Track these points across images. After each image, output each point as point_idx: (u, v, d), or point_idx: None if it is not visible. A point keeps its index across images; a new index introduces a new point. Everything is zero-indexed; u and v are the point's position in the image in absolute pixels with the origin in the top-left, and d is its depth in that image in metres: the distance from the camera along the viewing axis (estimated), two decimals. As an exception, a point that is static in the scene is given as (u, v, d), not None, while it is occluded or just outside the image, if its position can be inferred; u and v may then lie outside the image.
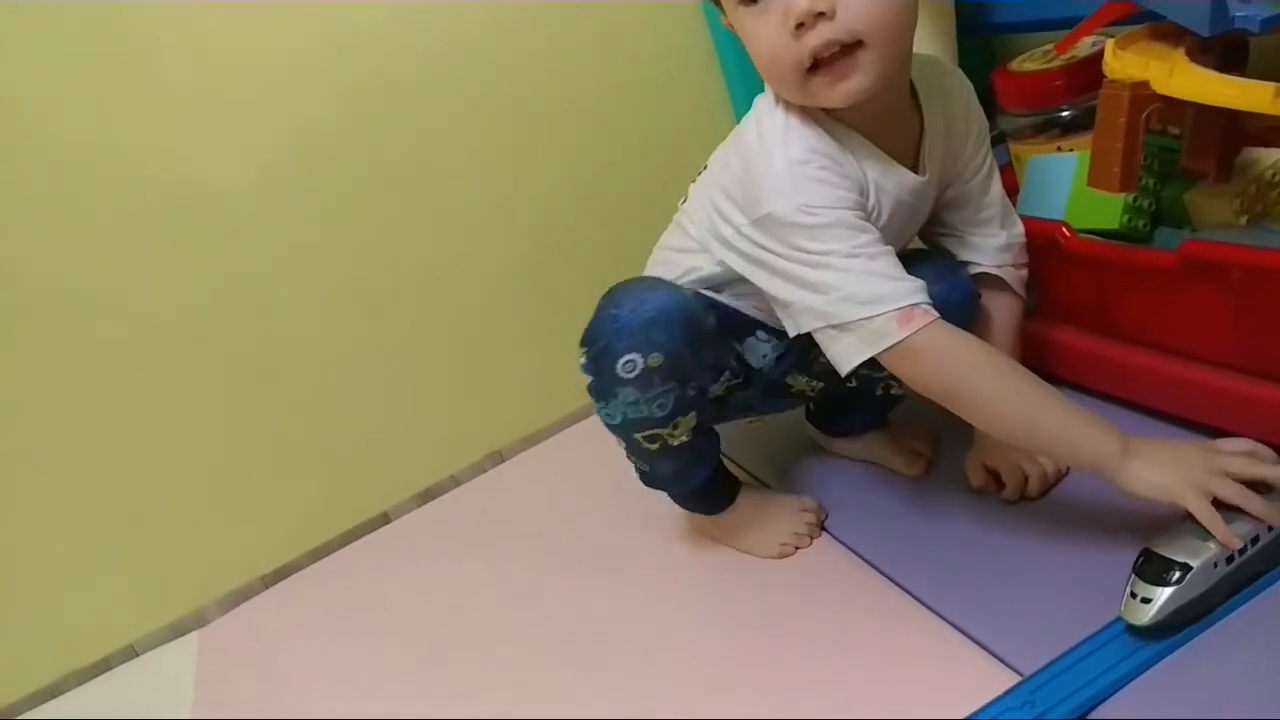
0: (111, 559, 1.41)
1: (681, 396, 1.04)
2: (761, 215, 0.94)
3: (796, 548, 1.15)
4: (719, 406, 1.19)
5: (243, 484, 1.47)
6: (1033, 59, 1.26)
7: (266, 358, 1.45)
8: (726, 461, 1.20)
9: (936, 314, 0.91)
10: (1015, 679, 0.87)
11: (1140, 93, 0.87)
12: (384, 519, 1.55)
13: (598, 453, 1.21)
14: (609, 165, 1.59)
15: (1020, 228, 1.13)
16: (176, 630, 1.45)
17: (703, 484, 1.16)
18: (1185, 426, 1.05)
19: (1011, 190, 1.22)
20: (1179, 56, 0.87)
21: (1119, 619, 0.85)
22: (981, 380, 0.91)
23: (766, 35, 0.89)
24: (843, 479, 1.24)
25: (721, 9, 0.96)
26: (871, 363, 0.93)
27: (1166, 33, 0.92)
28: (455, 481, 1.59)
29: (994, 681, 0.87)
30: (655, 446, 1.08)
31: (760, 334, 1.12)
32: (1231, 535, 0.81)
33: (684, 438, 1.07)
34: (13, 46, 1.24)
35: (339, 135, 1.42)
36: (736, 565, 1.16)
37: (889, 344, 0.90)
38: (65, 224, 1.31)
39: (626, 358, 1.00)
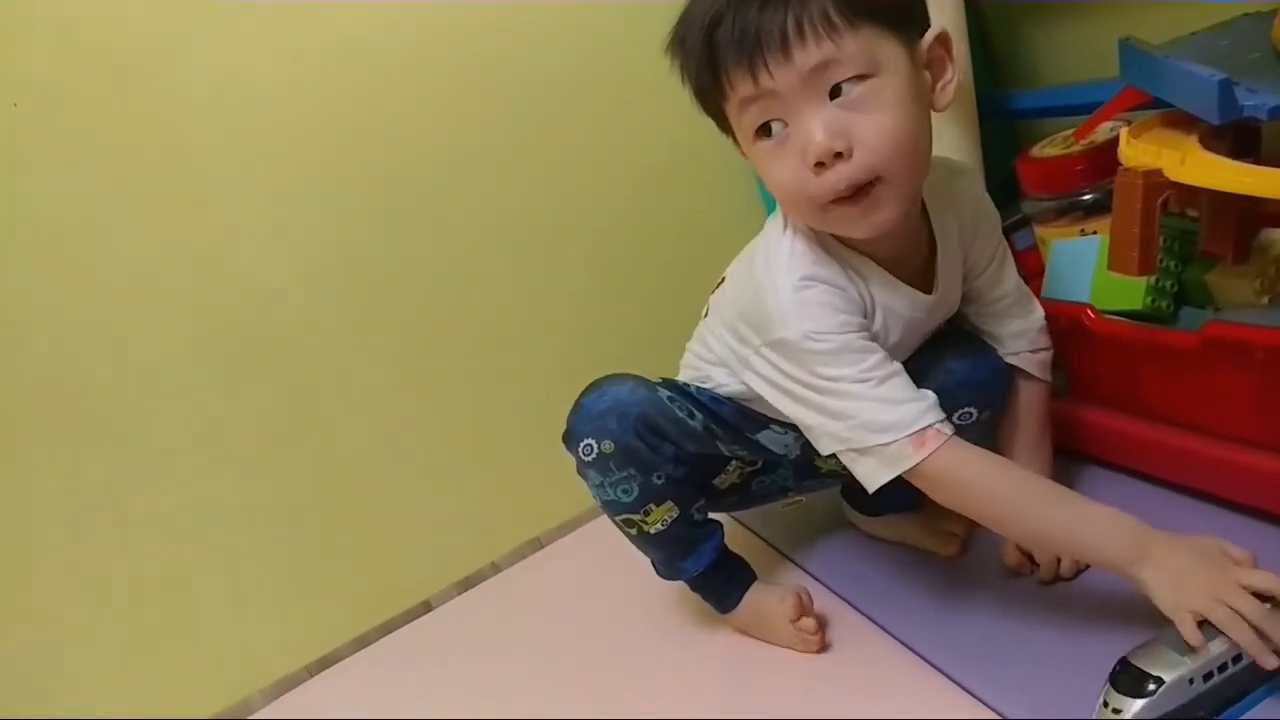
0: (158, 651, 1.43)
1: (647, 484, 1.09)
2: (774, 339, 0.98)
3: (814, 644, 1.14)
4: (740, 493, 1.22)
5: (288, 574, 1.49)
6: (1053, 144, 1.29)
7: (310, 446, 1.48)
8: (758, 541, 1.21)
9: (949, 432, 0.94)
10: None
11: (1154, 180, 0.89)
12: (425, 607, 1.57)
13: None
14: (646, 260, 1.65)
15: (1039, 313, 1.15)
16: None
17: (700, 576, 1.18)
18: (1210, 502, 1.07)
19: (1037, 272, 1.25)
20: (1191, 144, 0.90)
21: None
22: (996, 496, 0.94)
23: (784, 170, 0.91)
24: (878, 559, 1.25)
25: (735, 141, 0.98)
26: None
27: (1179, 120, 0.94)
28: (495, 568, 1.61)
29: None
30: (634, 532, 1.13)
31: (775, 427, 1.15)
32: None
33: (659, 526, 1.12)
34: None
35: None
36: (771, 652, 1.17)
37: (907, 467, 0.93)
38: (125, 327, 1.35)
39: (584, 442, 1.08)
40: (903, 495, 1.21)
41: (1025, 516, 0.94)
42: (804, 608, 1.13)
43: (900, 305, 1.02)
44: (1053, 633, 1.01)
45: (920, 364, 1.08)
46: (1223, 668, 0.80)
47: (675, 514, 1.12)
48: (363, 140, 1.45)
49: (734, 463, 1.20)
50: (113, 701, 1.40)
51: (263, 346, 1.43)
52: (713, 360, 1.14)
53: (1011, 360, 1.14)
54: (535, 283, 1.59)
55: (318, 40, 1.41)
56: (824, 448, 0.99)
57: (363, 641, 1.53)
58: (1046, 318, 1.16)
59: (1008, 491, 0.94)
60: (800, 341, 0.95)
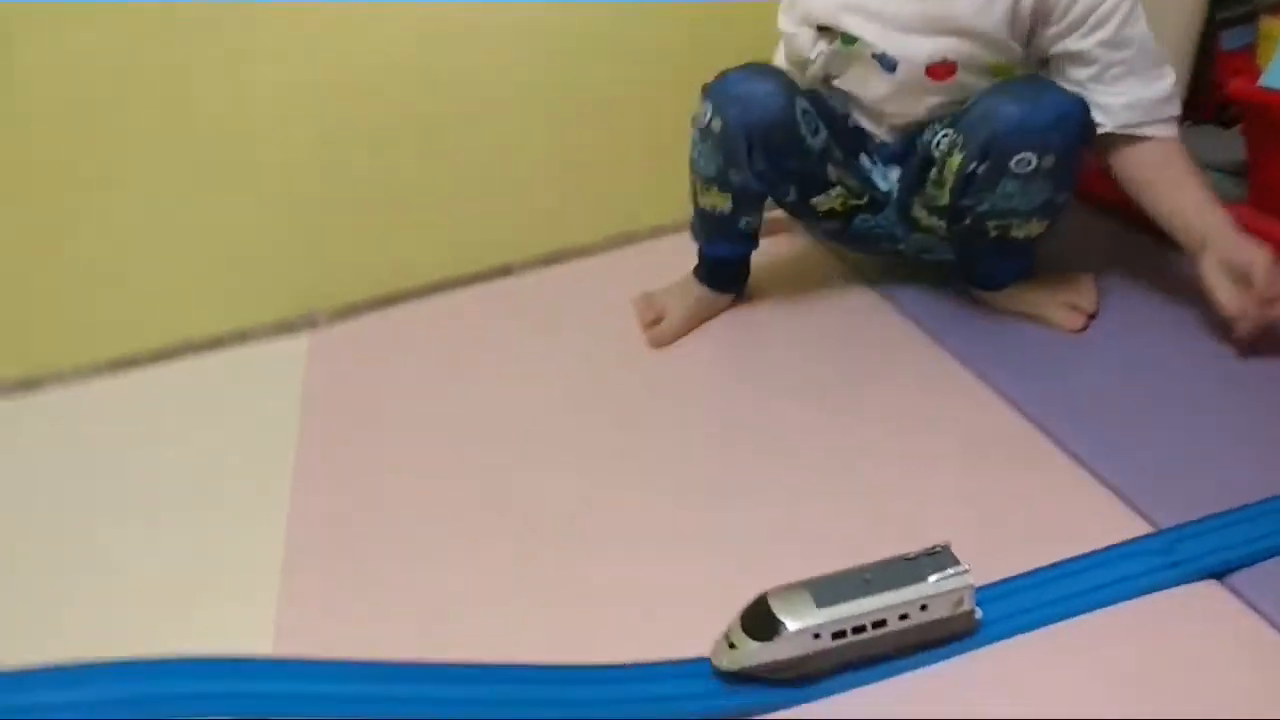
0: (235, 246, 1.44)
1: (723, 173, 1.17)
2: None
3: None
4: (840, 222, 1.24)
5: (366, 211, 1.48)
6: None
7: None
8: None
9: None
10: (1150, 530, 0.88)
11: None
12: (505, 270, 1.54)
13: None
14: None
15: (1166, 81, 1.07)
16: (283, 327, 1.46)
17: (713, 262, 1.30)
18: None
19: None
20: None
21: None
22: None
23: None
24: (999, 331, 1.20)
25: None
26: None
27: None
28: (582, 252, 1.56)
29: (1129, 528, 0.88)
30: (692, 192, 1.24)
31: (864, 159, 1.20)
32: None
33: (706, 206, 1.22)
34: None
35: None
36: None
37: None
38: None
39: (708, 104, 1.14)
40: (1008, 264, 1.19)
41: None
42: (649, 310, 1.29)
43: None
44: (1183, 413, 1.01)
45: (973, 112, 1.06)
46: (859, 629, 0.77)
47: (726, 209, 1.20)
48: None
49: (838, 189, 1.19)
50: (176, 283, 1.43)
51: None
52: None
53: (1119, 132, 1.07)
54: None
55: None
56: None
57: (433, 289, 1.51)
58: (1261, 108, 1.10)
59: None
60: None
